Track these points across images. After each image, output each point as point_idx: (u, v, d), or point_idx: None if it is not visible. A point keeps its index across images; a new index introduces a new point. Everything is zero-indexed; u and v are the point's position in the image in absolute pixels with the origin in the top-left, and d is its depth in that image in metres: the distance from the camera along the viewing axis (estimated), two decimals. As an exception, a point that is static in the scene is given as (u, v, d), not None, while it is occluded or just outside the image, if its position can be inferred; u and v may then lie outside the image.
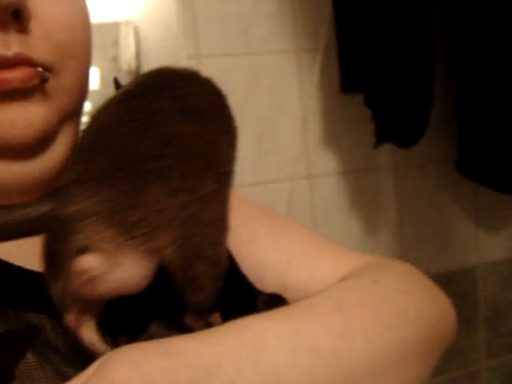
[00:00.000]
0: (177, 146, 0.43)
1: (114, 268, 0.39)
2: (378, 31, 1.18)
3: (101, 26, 1.45)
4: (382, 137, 1.26)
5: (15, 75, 0.45)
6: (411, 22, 1.18)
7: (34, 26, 0.46)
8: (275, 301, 0.57)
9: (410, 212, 1.51)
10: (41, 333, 0.43)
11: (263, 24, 1.35)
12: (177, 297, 0.48)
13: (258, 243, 0.63)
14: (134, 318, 0.48)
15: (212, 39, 1.31)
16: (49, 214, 0.37)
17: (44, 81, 0.47)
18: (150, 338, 0.46)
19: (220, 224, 0.46)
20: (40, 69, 0.47)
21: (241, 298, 0.55)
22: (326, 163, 1.42)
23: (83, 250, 0.38)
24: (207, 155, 0.45)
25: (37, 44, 0.46)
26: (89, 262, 0.38)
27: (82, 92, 0.53)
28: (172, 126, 0.44)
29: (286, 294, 0.58)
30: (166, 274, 0.45)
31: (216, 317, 0.49)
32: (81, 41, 0.51)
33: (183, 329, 0.47)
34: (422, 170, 1.50)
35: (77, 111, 0.53)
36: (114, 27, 1.47)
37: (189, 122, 0.45)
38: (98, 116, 0.47)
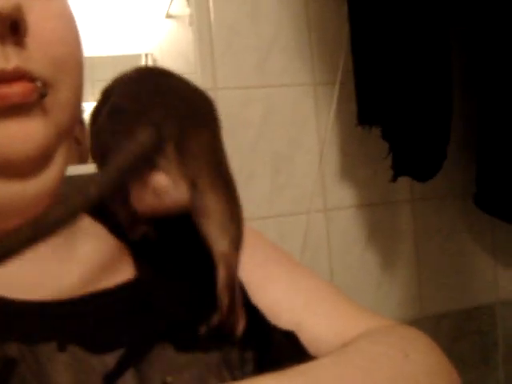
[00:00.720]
0: (200, 103, 0.55)
1: (175, 189, 0.50)
2: (395, 65, 1.19)
3: (121, 58, 1.47)
4: (399, 170, 1.25)
5: (15, 90, 0.44)
6: (429, 55, 1.18)
7: (31, 41, 0.45)
8: (289, 339, 0.56)
9: (427, 246, 1.49)
10: (19, 366, 0.42)
11: (280, 57, 1.36)
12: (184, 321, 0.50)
13: (274, 283, 0.61)
14: (138, 336, 0.47)
15: (229, 72, 1.32)
16: (156, 139, 0.49)
17: (43, 96, 0.46)
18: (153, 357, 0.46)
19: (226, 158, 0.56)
20: (39, 83, 0.46)
21: (256, 330, 0.54)
22: (343, 196, 1.41)
23: (160, 169, 0.49)
24: (210, 105, 0.57)
25: (34, 58, 0.45)
26: (163, 180, 0.49)
27: (77, 109, 0.52)
28: (192, 94, 0.56)
29: (300, 336, 0.57)
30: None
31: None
32: (75, 56, 0.51)
33: (189, 349, 0.48)
34: (440, 204, 1.49)
35: (72, 129, 0.52)
36: (134, 59, 1.49)
37: (199, 91, 0.57)
38: (128, 88, 0.55)
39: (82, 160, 1.20)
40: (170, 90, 0.53)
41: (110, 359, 0.44)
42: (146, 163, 0.49)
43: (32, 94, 0.45)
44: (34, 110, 0.46)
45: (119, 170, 0.47)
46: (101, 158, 0.53)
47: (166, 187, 0.49)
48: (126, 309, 0.50)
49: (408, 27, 1.17)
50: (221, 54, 1.32)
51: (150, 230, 0.57)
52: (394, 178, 1.26)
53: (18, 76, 0.44)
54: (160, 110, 0.50)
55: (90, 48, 1.23)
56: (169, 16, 1.56)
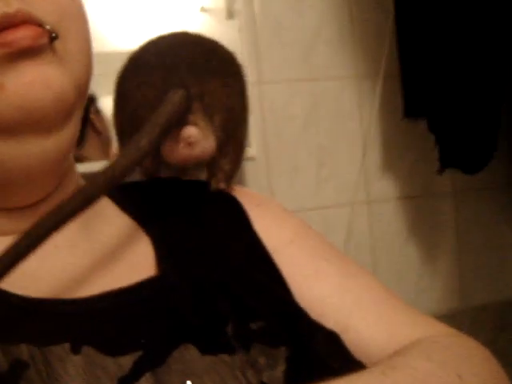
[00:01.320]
0: (221, 56, 0.61)
1: (204, 139, 0.55)
2: (442, 55, 1.19)
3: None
4: (446, 162, 1.25)
5: (23, 33, 0.41)
6: (477, 44, 1.17)
7: None
8: (330, 338, 0.52)
9: (469, 238, 1.49)
10: (29, 369, 0.39)
11: (324, 50, 1.37)
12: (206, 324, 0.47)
13: (322, 279, 0.57)
14: (158, 337, 0.45)
15: (274, 65, 1.33)
16: (186, 97, 0.53)
17: (53, 39, 0.43)
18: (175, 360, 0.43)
19: (247, 116, 0.62)
20: (48, 26, 0.43)
21: (292, 325, 0.50)
22: (386, 189, 1.42)
23: (190, 123, 0.54)
24: (232, 64, 0.61)
25: (37, 3, 0.43)
26: (193, 131, 0.54)
27: (89, 63, 0.49)
28: (212, 48, 0.61)
29: (346, 337, 0.53)
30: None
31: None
32: (76, 2, 0.48)
33: (214, 351, 0.44)
34: (482, 196, 1.49)
35: (86, 87, 0.49)
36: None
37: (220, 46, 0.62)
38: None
39: (103, 151, 1.20)
40: (191, 44, 0.59)
41: (127, 361, 0.41)
42: (178, 122, 0.53)
43: (42, 37, 0.42)
44: (48, 56, 0.43)
45: (158, 132, 0.51)
46: (130, 120, 0.57)
47: (197, 138, 0.54)
48: (146, 308, 0.47)
49: (454, 16, 1.17)
50: (266, 48, 1.32)
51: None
52: (441, 171, 1.27)
53: (23, 20, 0.41)
54: (185, 69, 0.54)
55: (122, 42, 1.24)
56: (203, 10, 1.56)
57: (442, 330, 0.56)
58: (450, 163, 1.25)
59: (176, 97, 0.52)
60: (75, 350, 0.41)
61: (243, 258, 0.56)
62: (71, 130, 0.47)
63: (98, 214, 0.54)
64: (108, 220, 0.56)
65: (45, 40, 0.43)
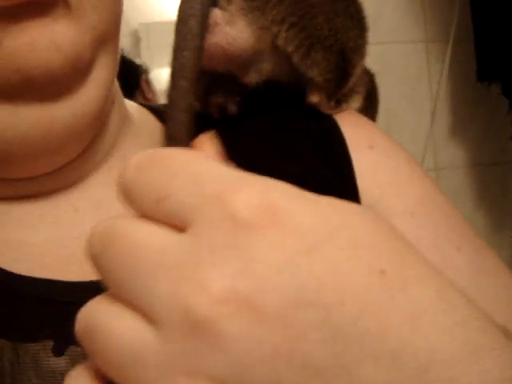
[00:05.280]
0: None
1: (228, 24, 0.43)
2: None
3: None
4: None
5: None
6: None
7: None
8: None
9: (538, 209, 1.46)
10: None
11: (393, 13, 1.34)
12: None
13: (448, 273, 0.40)
14: None
15: (342, 29, 1.31)
16: None
17: None
18: None
19: (338, 12, 0.43)
20: None
21: None
22: (454, 156, 1.40)
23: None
24: None
25: None
26: (216, 15, 0.43)
27: (115, 8, 0.40)
28: None
29: None
30: None
31: None
32: None
33: None
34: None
35: (112, 36, 0.40)
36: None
37: None
38: None
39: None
40: None
41: None
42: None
43: None
44: (58, 11, 0.35)
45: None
46: None
47: (216, 21, 0.42)
48: None
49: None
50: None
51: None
52: (515, 136, 1.24)
53: None
54: None
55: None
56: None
57: None
58: (525, 129, 1.22)
59: None
60: (58, 351, 0.32)
61: None
62: (93, 88, 0.38)
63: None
64: None
65: None
